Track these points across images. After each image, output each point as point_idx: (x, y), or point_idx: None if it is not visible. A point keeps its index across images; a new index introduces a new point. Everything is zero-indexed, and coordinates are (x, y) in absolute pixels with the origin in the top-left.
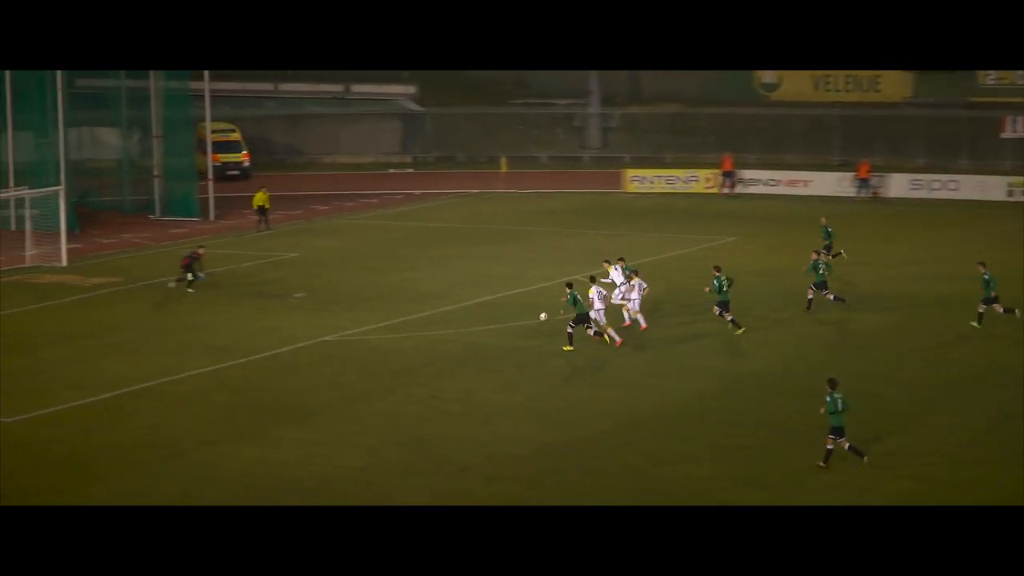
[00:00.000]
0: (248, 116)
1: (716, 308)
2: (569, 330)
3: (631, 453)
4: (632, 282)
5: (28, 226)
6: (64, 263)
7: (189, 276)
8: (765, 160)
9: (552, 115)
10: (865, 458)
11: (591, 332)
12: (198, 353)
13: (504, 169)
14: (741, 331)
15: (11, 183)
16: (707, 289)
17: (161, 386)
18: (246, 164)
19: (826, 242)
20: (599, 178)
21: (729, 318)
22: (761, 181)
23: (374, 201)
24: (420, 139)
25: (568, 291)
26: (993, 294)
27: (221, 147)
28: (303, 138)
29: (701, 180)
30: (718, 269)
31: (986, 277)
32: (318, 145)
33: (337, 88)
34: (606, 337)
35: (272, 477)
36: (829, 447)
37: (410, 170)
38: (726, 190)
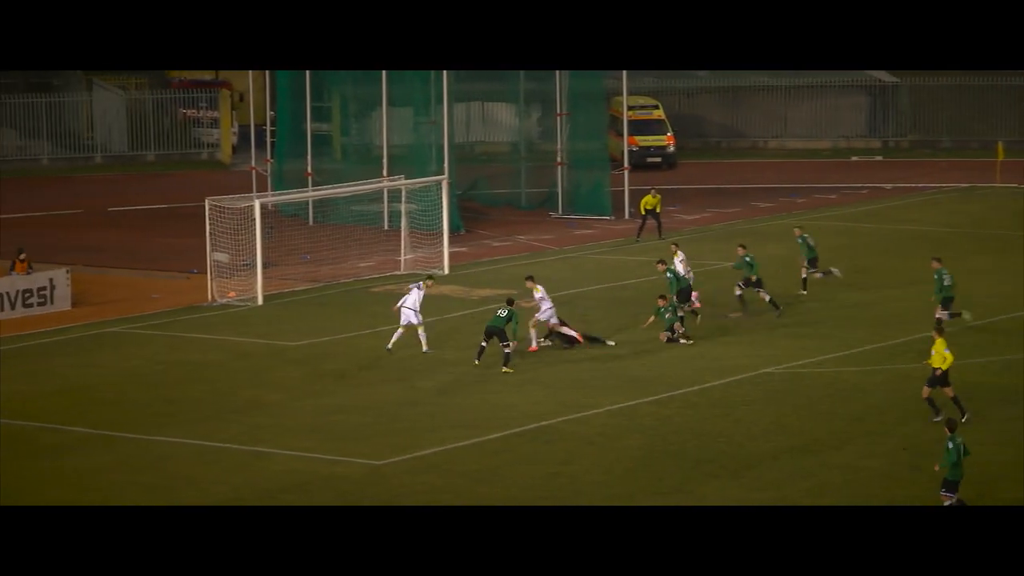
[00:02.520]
0: (675, 89)
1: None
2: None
3: None
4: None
5: (404, 224)
6: (446, 271)
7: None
8: None
9: None
10: None
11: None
12: (609, 385)
13: (1002, 157)
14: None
15: (385, 171)
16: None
17: (562, 425)
18: (671, 149)
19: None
20: None
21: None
22: None
23: (832, 197)
24: (893, 118)
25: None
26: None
27: (640, 127)
28: (744, 117)
29: None
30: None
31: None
32: (762, 126)
33: None
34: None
35: None
36: (947, 504)
37: (878, 157)
38: None
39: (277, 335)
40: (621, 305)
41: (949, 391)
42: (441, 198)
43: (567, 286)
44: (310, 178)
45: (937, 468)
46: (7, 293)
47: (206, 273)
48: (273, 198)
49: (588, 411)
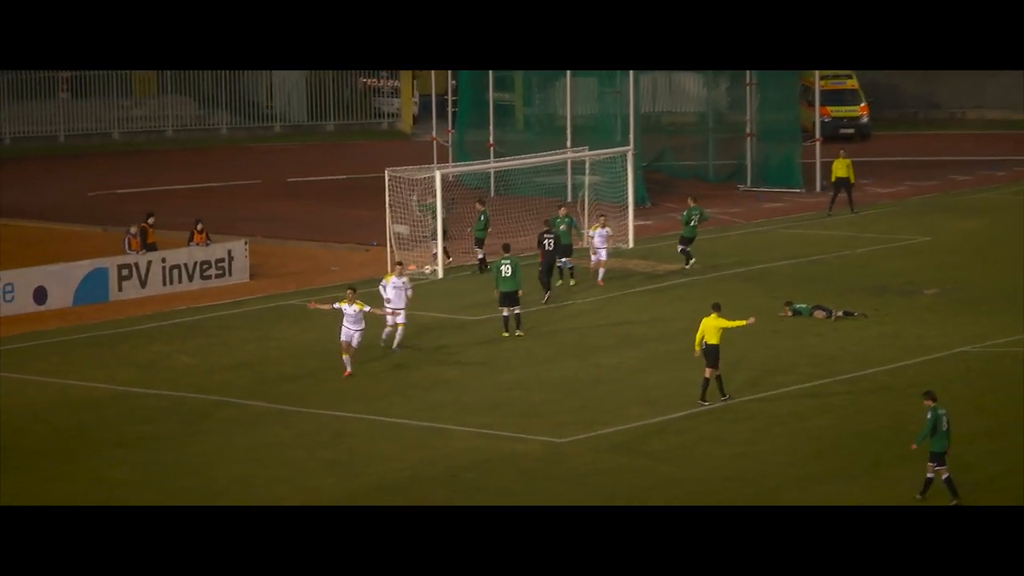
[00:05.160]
0: None
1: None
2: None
3: None
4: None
5: (587, 196)
6: (631, 244)
7: None
8: None
9: None
10: (955, 502)
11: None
12: (799, 363)
13: None
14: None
15: (568, 142)
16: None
17: (749, 405)
18: (864, 120)
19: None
20: None
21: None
22: None
23: None
24: None
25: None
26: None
27: (832, 97)
28: (940, 87)
29: None
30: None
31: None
32: (959, 96)
33: None
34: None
35: None
36: (929, 476)
37: None
38: None
39: (458, 309)
40: (811, 281)
41: (714, 371)
42: (626, 170)
43: (755, 260)
44: (492, 149)
45: (914, 447)
46: (185, 264)
47: (386, 245)
48: (454, 169)
49: (776, 390)
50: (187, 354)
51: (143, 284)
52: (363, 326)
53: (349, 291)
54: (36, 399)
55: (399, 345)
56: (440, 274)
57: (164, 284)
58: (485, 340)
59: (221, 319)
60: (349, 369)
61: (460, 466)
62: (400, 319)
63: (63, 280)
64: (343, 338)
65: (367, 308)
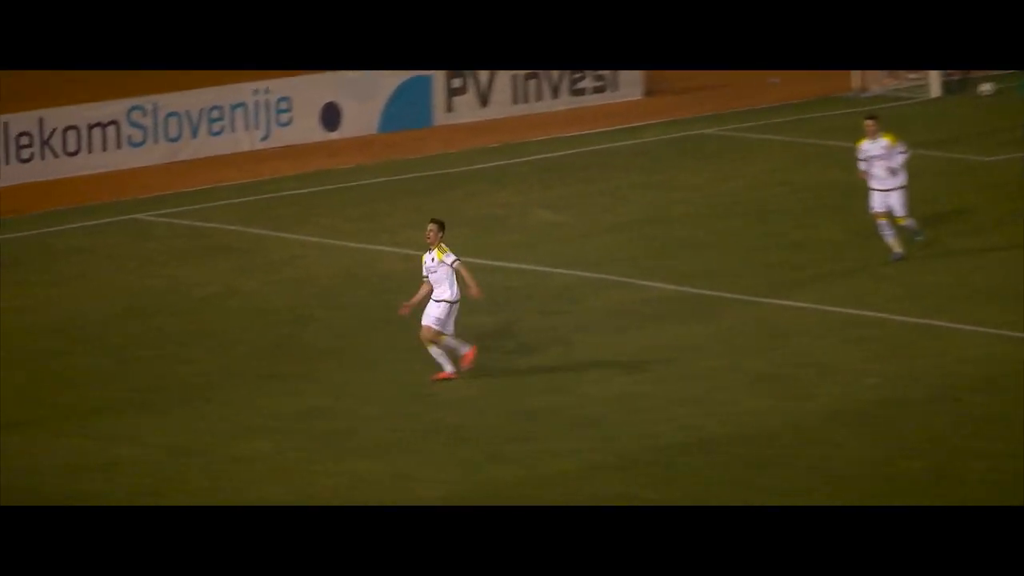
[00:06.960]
0: None
1: None
2: None
3: None
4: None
5: None
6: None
7: None
8: None
9: None
10: None
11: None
12: None
13: None
14: None
15: None
16: None
17: None
18: None
19: None
20: None
21: None
22: None
23: None
24: None
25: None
26: None
27: None
28: None
29: None
30: None
31: None
32: None
33: None
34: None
35: None
36: None
37: None
38: None
39: (958, 145)
40: None
41: None
42: None
43: None
44: None
45: None
46: (547, 77)
47: None
48: None
49: None
50: (549, 208)
51: (483, 102)
52: (456, 291)
53: (431, 226)
54: (322, 273)
55: (917, 233)
56: (935, 91)
57: (514, 102)
58: (1003, 192)
59: (601, 155)
60: (469, 352)
61: (966, 384)
62: (898, 206)
63: (365, 94)
64: (433, 328)
65: (451, 259)
